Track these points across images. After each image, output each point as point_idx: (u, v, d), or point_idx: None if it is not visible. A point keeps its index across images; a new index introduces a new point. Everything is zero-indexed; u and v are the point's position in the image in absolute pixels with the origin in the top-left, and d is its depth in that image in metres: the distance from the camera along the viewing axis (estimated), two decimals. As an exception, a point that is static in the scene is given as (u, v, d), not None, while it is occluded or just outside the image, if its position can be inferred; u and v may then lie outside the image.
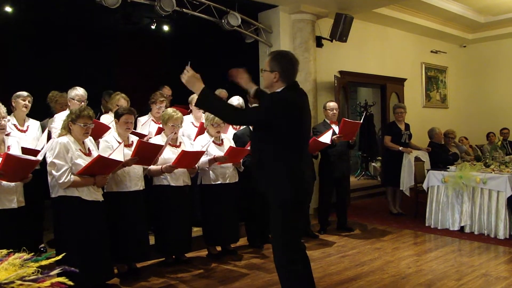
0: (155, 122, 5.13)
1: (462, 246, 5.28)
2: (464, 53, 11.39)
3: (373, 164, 10.62)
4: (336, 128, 5.67)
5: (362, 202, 8.35)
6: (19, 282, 1.24)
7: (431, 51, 10.56)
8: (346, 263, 4.65)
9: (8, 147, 3.58)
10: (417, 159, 6.77)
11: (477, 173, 5.75)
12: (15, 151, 3.59)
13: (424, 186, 6.28)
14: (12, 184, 3.48)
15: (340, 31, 7.31)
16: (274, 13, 7.26)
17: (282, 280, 2.94)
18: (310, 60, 7.24)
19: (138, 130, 4.97)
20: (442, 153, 6.90)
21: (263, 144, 2.95)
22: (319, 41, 7.60)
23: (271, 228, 3.02)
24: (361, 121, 5.86)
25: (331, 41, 7.52)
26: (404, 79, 9.59)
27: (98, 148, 4.02)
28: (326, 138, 5.23)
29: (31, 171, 3.56)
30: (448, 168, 6.16)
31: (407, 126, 6.99)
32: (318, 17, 7.41)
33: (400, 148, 6.76)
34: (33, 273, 1.33)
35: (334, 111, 5.83)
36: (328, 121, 5.84)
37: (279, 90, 2.91)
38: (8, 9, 6.09)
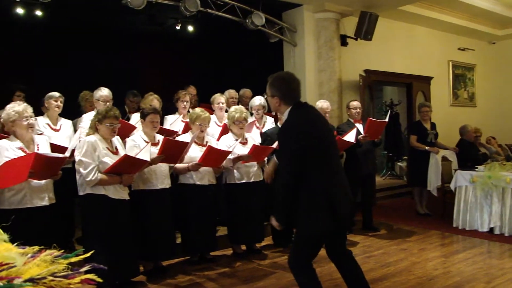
0: (182, 121, 5.19)
1: (491, 248, 5.14)
2: (493, 50, 11.11)
3: (399, 163, 10.46)
4: (360, 127, 5.62)
5: (388, 202, 8.23)
6: (51, 278, 1.27)
7: (459, 49, 10.35)
8: (371, 263, 4.60)
9: (37, 146, 3.67)
10: (444, 158, 6.62)
11: (507, 173, 5.58)
12: (44, 149, 3.68)
13: (452, 186, 6.13)
14: (43, 182, 3.57)
15: (365, 30, 7.25)
16: (298, 12, 7.25)
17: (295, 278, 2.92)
18: (335, 59, 7.20)
19: (167, 129, 5.02)
20: (472, 150, 6.74)
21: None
22: (343, 40, 7.56)
23: (293, 240, 2.98)
24: (387, 119, 5.77)
25: (356, 39, 7.46)
26: (431, 78, 9.43)
27: (125, 147, 4.08)
28: (350, 137, 5.19)
29: (59, 169, 3.64)
30: (477, 168, 6.00)
31: (433, 125, 6.83)
32: (343, 15, 7.36)
33: (427, 147, 6.61)
34: (63, 269, 1.36)
35: (358, 110, 5.79)
36: (352, 120, 5.80)
37: (285, 113, 2.86)
38: (39, 12, 6.25)
